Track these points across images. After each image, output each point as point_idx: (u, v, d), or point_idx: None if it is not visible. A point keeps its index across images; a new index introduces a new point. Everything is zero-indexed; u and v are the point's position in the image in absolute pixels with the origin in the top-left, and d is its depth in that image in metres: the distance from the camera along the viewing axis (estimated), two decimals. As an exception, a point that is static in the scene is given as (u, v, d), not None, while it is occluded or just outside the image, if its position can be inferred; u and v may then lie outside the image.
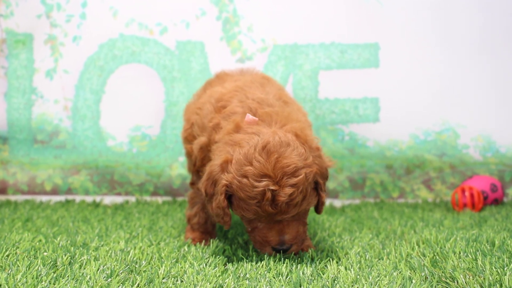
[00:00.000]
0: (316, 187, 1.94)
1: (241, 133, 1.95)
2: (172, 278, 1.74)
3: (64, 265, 1.84)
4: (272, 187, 1.79)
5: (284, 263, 1.86)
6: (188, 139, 2.31)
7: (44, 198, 3.50)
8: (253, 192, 1.81)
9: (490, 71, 3.58)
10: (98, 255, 1.97)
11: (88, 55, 3.54)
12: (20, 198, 3.49)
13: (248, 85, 2.21)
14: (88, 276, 1.69)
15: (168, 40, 3.55)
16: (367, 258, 2.00)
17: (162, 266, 1.84)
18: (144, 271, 1.81)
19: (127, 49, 3.54)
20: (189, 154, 2.33)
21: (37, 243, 2.14)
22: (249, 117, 1.99)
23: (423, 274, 1.79)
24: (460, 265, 1.82)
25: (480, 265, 1.80)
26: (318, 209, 2.02)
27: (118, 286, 1.60)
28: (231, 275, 1.76)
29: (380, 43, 3.58)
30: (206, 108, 2.20)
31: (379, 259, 2.00)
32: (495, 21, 3.57)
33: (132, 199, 3.52)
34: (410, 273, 1.80)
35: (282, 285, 1.65)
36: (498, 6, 3.57)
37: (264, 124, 1.98)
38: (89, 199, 3.50)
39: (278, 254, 1.94)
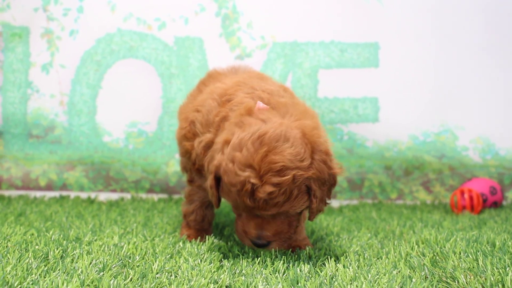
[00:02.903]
0: (309, 193, 1.82)
1: (252, 117, 1.87)
2: (166, 273, 1.69)
3: (56, 259, 1.79)
4: (252, 180, 1.71)
5: (281, 260, 1.82)
6: (187, 136, 2.20)
7: (38, 193, 3.45)
8: (234, 180, 1.74)
9: (490, 72, 3.56)
10: (91, 249, 1.93)
11: (85, 50, 3.50)
12: (14, 193, 3.45)
13: (249, 80, 2.16)
14: (80, 270, 1.65)
15: (167, 35, 3.51)
16: (365, 257, 1.96)
17: (156, 261, 1.80)
18: (138, 266, 1.76)
19: (124, 44, 3.50)
20: (187, 153, 2.23)
21: (29, 237, 2.09)
22: (260, 104, 1.92)
23: (423, 273, 1.75)
24: (460, 265, 1.78)
25: (481, 265, 1.76)
26: (309, 216, 1.89)
27: (110, 280, 1.56)
28: (226, 271, 1.72)
29: (380, 42, 3.55)
30: (209, 104, 2.11)
31: (378, 258, 1.96)
32: (496, 23, 3.55)
33: (128, 196, 3.48)
34: (410, 272, 1.76)
35: (279, 282, 1.61)
36: (498, 7, 3.55)
37: (277, 113, 1.89)
38: (84, 195, 3.46)
39: (259, 248, 1.90)
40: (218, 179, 1.86)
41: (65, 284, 1.51)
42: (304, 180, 1.77)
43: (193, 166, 2.20)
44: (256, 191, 1.72)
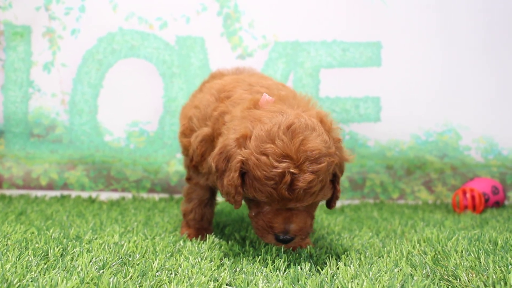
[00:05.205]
0: (334, 180, 1.84)
1: (260, 110, 1.83)
2: (166, 271, 1.69)
3: (56, 257, 1.79)
4: (292, 170, 1.67)
5: (281, 258, 1.81)
6: (185, 133, 2.21)
7: (39, 193, 3.45)
8: (272, 173, 1.69)
9: (493, 72, 3.55)
10: (91, 248, 1.92)
11: (87, 49, 3.50)
12: (15, 192, 3.45)
13: (248, 77, 2.16)
14: (80, 268, 1.64)
15: (168, 35, 3.51)
16: (367, 255, 1.95)
17: (156, 259, 1.79)
18: (138, 264, 1.76)
19: (126, 43, 3.50)
20: (185, 149, 2.25)
21: (29, 235, 2.09)
22: (266, 96, 1.88)
23: (424, 271, 1.74)
24: (462, 263, 1.77)
25: (483, 263, 1.75)
26: (331, 203, 1.91)
27: (110, 278, 1.55)
28: (227, 269, 1.71)
29: (382, 41, 3.54)
30: (207, 99, 2.11)
31: (379, 257, 1.95)
32: (499, 22, 3.54)
33: (129, 195, 3.47)
34: (411, 270, 1.75)
35: (280, 280, 1.60)
36: (501, 7, 3.54)
37: (285, 105, 1.86)
38: (85, 194, 3.46)
39: (278, 245, 1.86)
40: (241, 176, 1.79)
41: (64, 282, 1.50)
42: (333, 167, 1.79)
43: (190, 163, 2.18)
44: (295, 181, 1.69)
